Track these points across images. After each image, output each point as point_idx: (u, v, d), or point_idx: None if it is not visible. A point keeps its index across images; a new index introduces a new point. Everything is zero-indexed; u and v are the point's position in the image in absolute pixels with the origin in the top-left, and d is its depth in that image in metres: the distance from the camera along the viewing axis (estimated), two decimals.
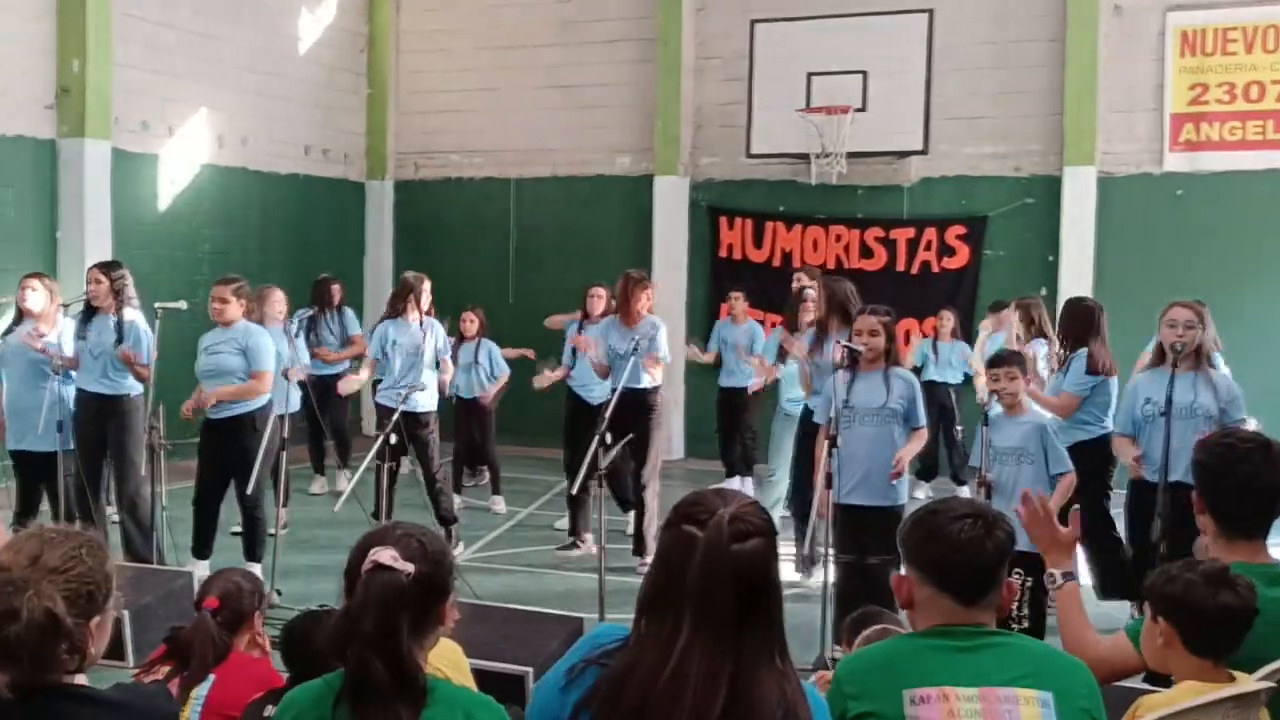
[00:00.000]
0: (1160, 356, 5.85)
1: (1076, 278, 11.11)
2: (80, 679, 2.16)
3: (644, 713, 1.95)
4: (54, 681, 2.07)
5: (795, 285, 9.30)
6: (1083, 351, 6.83)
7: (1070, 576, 3.06)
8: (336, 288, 10.23)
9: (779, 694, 1.99)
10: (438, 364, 8.34)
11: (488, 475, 10.19)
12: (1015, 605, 4.52)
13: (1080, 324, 6.99)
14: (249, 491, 7.18)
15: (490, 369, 9.80)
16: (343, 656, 2.21)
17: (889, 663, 2.42)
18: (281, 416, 7.58)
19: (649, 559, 7.88)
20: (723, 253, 12.61)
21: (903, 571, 2.51)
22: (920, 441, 6.15)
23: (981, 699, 2.30)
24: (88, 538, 2.23)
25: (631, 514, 8.54)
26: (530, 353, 10.43)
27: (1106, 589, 6.77)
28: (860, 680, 2.39)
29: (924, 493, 10.05)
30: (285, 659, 3.42)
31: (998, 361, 5.89)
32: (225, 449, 7.24)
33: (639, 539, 8.09)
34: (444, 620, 2.30)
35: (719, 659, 1.96)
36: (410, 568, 2.20)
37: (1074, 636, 2.94)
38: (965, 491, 10.00)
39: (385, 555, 2.20)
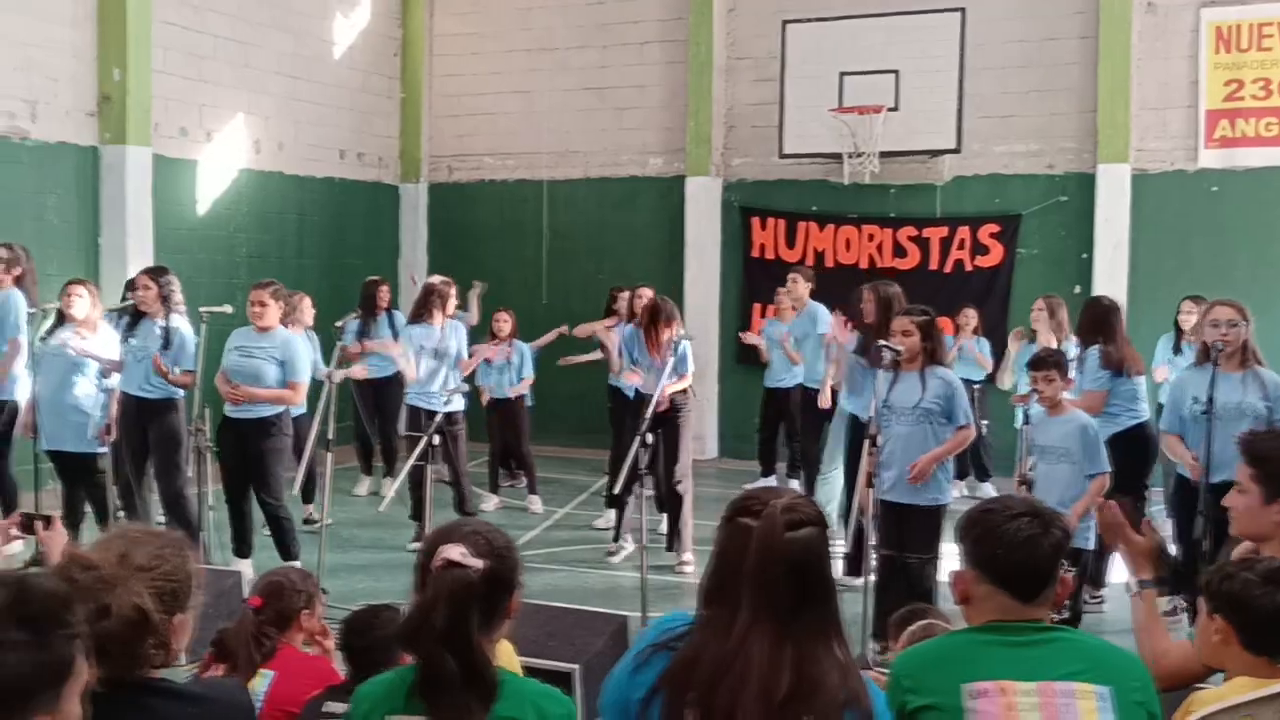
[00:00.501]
0: (1205, 355, 5.86)
1: (1110, 276, 11.08)
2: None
3: (713, 696, 2.03)
4: (141, 676, 2.14)
5: (790, 283, 9.42)
6: (1095, 348, 6.87)
7: (1146, 584, 3.08)
8: (383, 291, 10.32)
9: (841, 681, 2.06)
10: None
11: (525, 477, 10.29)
12: None
13: (1093, 322, 7.04)
14: (295, 492, 7.30)
15: (520, 369, 9.92)
16: (414, 651, 2.28)
17: (947, 657, 2.46)
18: (298, 418, 7.75)
19: (686, 555, 7.98)
20: (755, 253, 12.62)
21: (958, 568, 2.55)
22: (959, 441, 6.12)
23: (1039, 693, 2.34)
24: (171, 537, 2.31)
25: (664, 514, 8.61)
26: (564, 328, 10.58)
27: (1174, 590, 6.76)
28: (918, 675, 2.43)
29: (957, 491, 10.03)
30: (345, 655, 3.49)
31: (1037, 364, 5.93)
32: (242, 449, 7.35)
33: (674, 535, 8.14)
34: (511, 614, 2.37)
35: (780, 644, 2.05)
36: (480, 563, 2.26)
37: (1148, 644, 2.97)
38: (988, 488, 10.02)
39: (455, 552, 2.26)
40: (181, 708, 2.16)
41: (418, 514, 8.06)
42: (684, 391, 8.09)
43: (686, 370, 8.00)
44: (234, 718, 2.25)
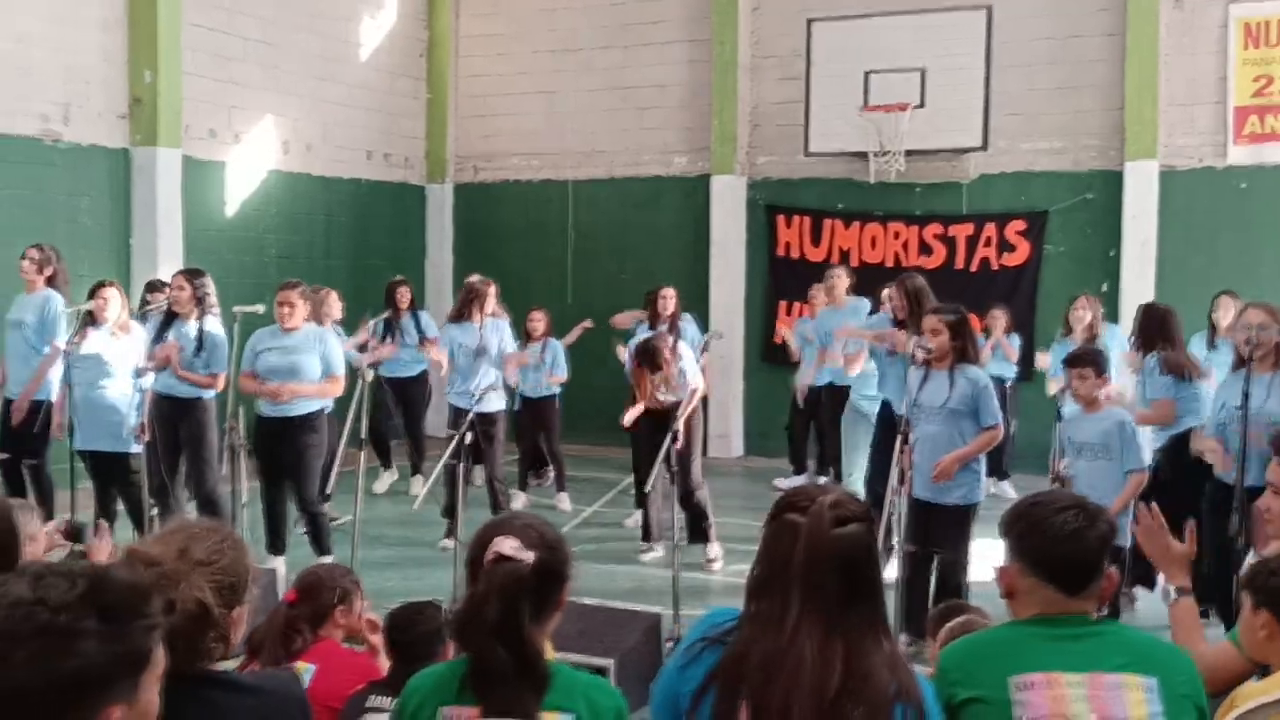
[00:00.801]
0: (1241, 362, 5.85)
1: (1138, 273, 11.04)
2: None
3: (766, 690, 2.05)
4: (202, 669, 2.18)
5: (835, 279, 9.45)
6: (1154, 355, 6.86)
7: (1184, 592, 3.08)
8: (404, 291, 10.38)
9: (890, 674, 2.08)
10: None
11: (551, 475, 10.33)
12: None
13: (1150, 328, 7.03)
14: (326, 492, 7.34)
15: (552, 367, 9.97)
16: (466, 644, 2.32)
17: (993, 650, 2.47)
18: (331, 415, 7.81)
19: (712, 552, 8.00)
20: (780, 251, 12.62)
21: (1004, 562, 2.56)
22: (986, 441, 6.06)
23: (1088, 685, 2.35)
24: (228, 532, 2.35)
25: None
26: (588, 323, 10.71)
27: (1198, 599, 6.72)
28: (964, 667, 2.44)
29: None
30: (389, 650, 3.53)
31: (1072, 361, 5.93)
32: (280, 447, 7.39)
33: (695, 531, 8.15)
34: (561, 606, 2.40)
35: (829, 639, 2.07)
36: (531, 556, 2.29)
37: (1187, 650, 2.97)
38: (1006, 487, 10.00)
39: (507, 545, 2.29)
40: (240, 699, 2.19)
41: (449, 511, 8.10)
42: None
43: (697, 385, 8.03)
44: (289, 709, 2.29)
